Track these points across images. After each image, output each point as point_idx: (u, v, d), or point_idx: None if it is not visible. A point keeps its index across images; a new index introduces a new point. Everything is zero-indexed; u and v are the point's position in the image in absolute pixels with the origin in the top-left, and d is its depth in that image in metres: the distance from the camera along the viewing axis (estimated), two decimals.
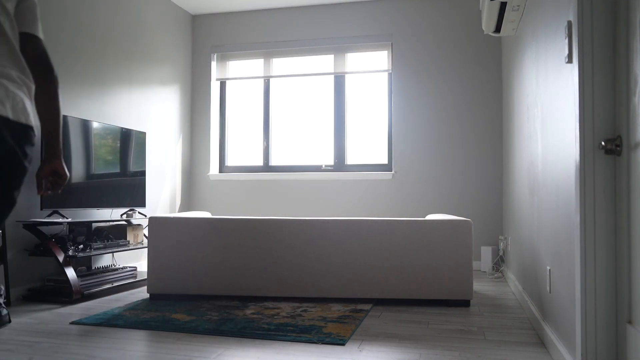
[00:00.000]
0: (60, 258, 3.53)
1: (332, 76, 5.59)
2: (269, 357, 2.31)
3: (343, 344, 2.49)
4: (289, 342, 2.54)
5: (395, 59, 5.35)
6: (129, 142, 4.45)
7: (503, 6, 3.44)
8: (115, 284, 3.89)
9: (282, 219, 3.54)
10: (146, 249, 4.69)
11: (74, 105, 4.14)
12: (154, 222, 3.61)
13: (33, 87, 1.46)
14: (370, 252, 3.44)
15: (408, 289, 3.41)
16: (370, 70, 5.50)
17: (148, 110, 5.07)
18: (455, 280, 3.37)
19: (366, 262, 3.44)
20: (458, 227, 3.41)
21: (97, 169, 4.09)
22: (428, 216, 4.13)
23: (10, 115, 1.32)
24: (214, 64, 5.83)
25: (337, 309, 3.23)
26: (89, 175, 4.01)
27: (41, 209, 3.63)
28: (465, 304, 3.37)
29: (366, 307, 3.30)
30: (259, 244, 3.53)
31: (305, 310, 3.20)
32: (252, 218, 3.57)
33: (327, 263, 3.47)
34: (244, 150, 5.85)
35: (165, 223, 3.59)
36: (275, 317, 3.03)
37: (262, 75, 5.74)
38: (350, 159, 5.53)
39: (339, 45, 5.51)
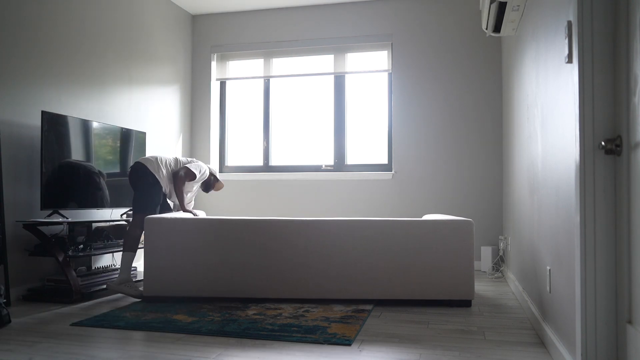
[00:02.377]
0: (60, 258, 3.53)
1: (332, 76, 5.60)
2: (271, 357, 2.31)
3: (349, 344, 2.49)
4: (293, 343, 2.54)
5: (395, 59, 5.35)
6: (129, 142, 4.46)
7: (503, 6, 3.43)
8: None
9: (282, 219, 3.54)
10: None
11: (74, 105, 4.14)
12: (150, 222, 3.59)
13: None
14: (372, 252, 3.44)
15: (409, 290, 3.40)
16: (370, 70, 5.50)
17: (148, 110, 5.07)
18: (456, 280, 3.37)
19: (367, 263, 3.43)
20: (460, 228, 3.41)
21: (97, 169, 4.09)
22: (425, 216, 4.13)
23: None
24: (214, 64, 5.84)
25: (339, 309, 3.23)
26: (89, 176, 4.00)
27: (41, 209, 3.63)
28: (466, 304, 3.37)
29: (367, 307, 3.30)
30: (258, 245, 3.51)
31: (307, 311, 3.19)
32: (251, 219, 3.56)
33: (328, 264, 3.45)
34: (244, 150, 5.85)
35: (161, 223, 3.59)
36: (278, 317, 3.03)
37: (262, 75, 5.74)
38: (350, 159, 5.54)
39: (339, 45, 5.51)
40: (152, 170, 3.78)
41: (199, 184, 4.17)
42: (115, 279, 3.67)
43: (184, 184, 3.92)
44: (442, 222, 3.43)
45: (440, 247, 3.40)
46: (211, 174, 4.21)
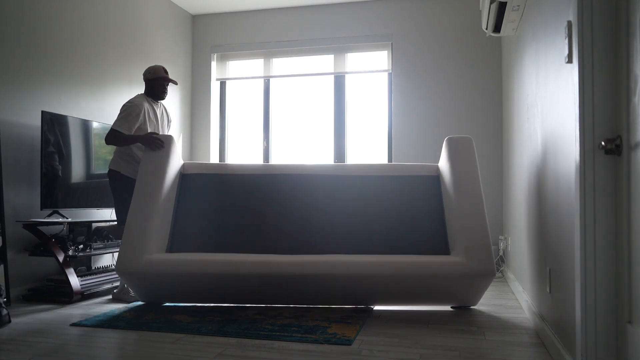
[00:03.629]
0: (60, 258, 3.53)
1: (332, 76, 5.59)
2: (271, 357, 2.31)
3: (349, 344, 2.49)
4: (293, 343, 2.54)
5: (395, 59, 5.35)
6: None
7: (503, 6, 3.43)
8: (115, 284, 3.89)
9: (280, 257, 3.14)
10: None
11: (74, 105, 4.14)
12: (121, 269, 3.12)
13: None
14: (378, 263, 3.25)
15: (413, 300, 3.24)
16: (370, 70, 5.50)
17: None
18: (466, 293, 3.18)
19: (370, 272, 3.32)
20: (479, 278, 3.00)
21: (97, 169, 4.09)
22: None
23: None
24: (214, 64, 5.84)
25: (339, 309, 3.23)
26: (89, 175, 4.01)
27: (41, 209, 3.63)
28: (467, 306, 3.34)
29: (368, 307, 3.30)
30: (256, 281, 3.19)
31: (307, 311, 3.19)
32: (246, 259, 3.13)
33: (330, 269, 3.33)
34: (244, 150, 5.85)
35: (133, 275, 3.12)
36: (278, 317, 3.03)
37: (262, 75, 5.74)
38: (350, 159, 5.53)
39: (339, 45, 5.51)
40: (116, 169, 3.61)
41: (143, 118, 3.60)
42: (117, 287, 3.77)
43: (125, 140, 3.49)
44: (457, 276, 2.99)
45: (455, 289, 3.10)
46: (154, 81, 3.70)
